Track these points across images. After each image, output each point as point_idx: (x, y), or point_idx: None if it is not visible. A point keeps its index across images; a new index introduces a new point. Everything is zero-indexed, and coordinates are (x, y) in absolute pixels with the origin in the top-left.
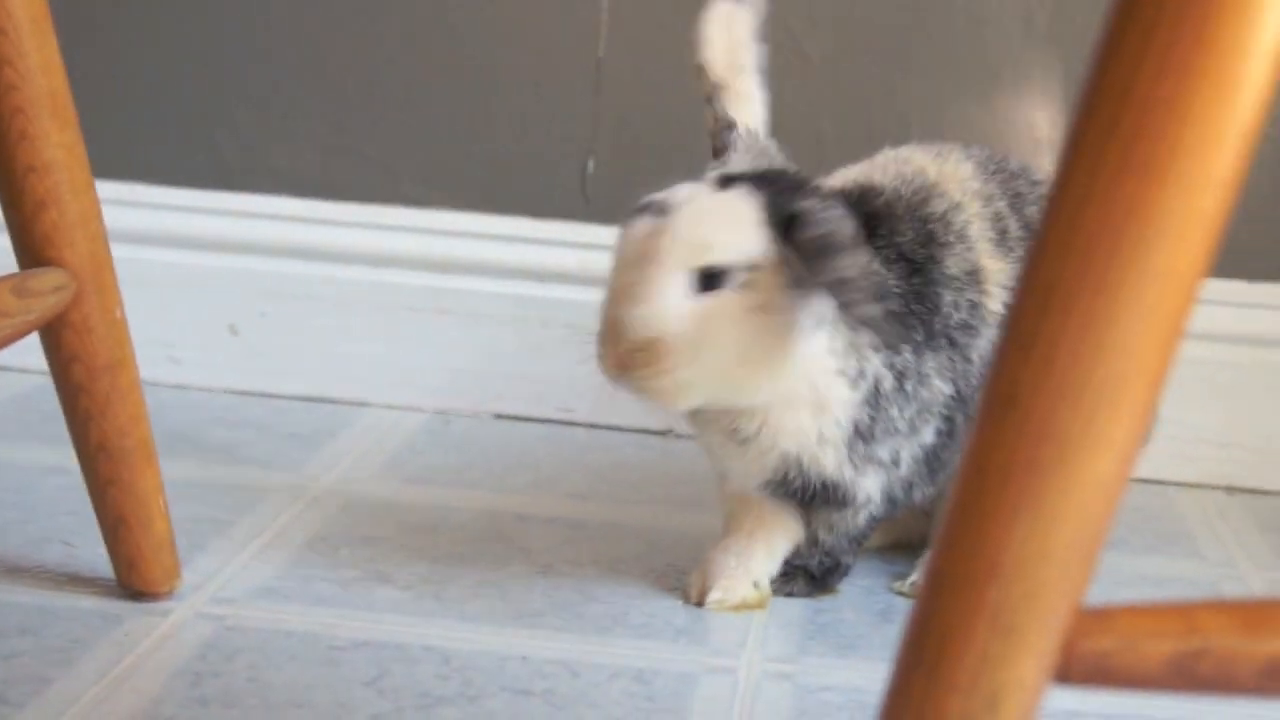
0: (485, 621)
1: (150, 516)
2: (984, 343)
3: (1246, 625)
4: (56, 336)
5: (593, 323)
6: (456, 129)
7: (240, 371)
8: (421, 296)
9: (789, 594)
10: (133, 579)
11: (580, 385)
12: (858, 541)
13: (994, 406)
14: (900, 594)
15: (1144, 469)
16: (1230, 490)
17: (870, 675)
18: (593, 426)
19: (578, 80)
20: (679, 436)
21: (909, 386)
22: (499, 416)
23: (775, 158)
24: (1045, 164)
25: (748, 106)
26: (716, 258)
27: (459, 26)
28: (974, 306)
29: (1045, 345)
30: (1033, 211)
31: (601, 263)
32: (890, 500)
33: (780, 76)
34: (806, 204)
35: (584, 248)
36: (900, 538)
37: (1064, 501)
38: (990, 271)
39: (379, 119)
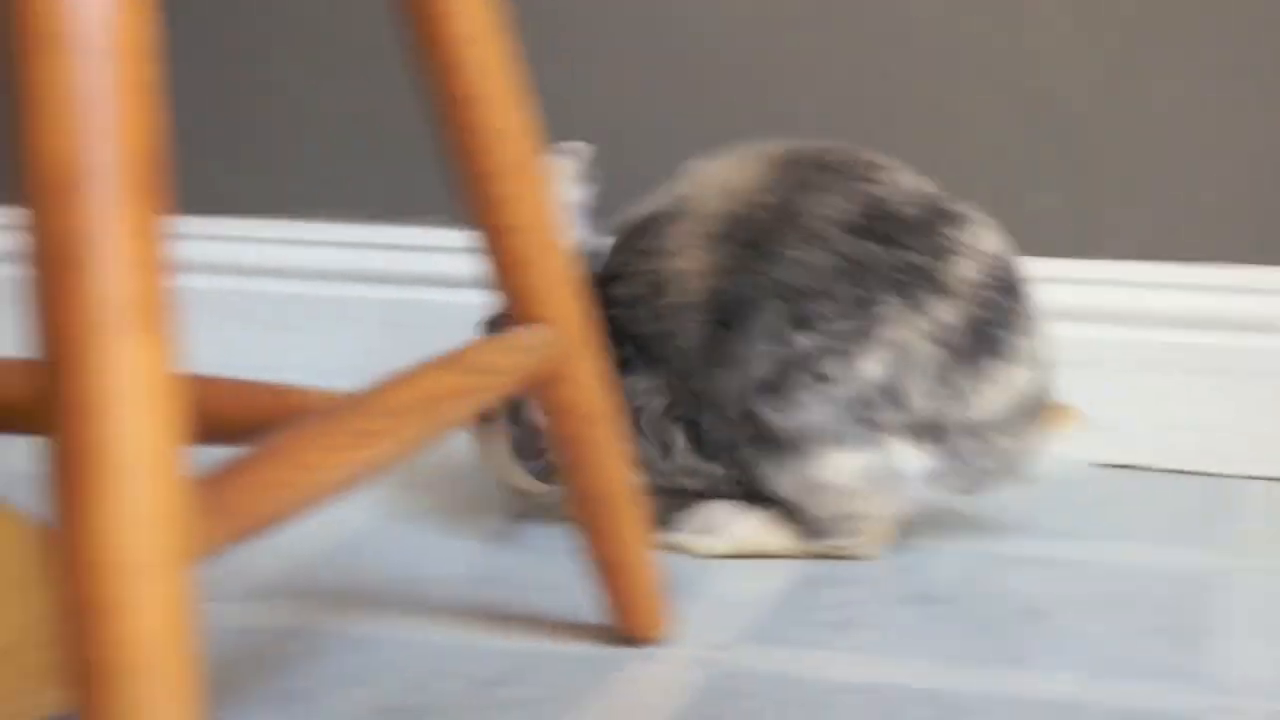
0: (975, 663)
1: (640, 562)
2: (680, 342)
3: None
4: (550, 390)
5: None
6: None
7: None
8: None
9: None
10: (625, 625)
11: None
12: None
13: None
14: None
15: None
16: None
17: None
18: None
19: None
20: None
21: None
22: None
23: None
24: None
25: None
26: None
27: (924, 65)
28: (659, 313)
29: None
30: (816, 198)
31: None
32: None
33: None
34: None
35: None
36: None
37: None
38: (683, 271)
39: None
